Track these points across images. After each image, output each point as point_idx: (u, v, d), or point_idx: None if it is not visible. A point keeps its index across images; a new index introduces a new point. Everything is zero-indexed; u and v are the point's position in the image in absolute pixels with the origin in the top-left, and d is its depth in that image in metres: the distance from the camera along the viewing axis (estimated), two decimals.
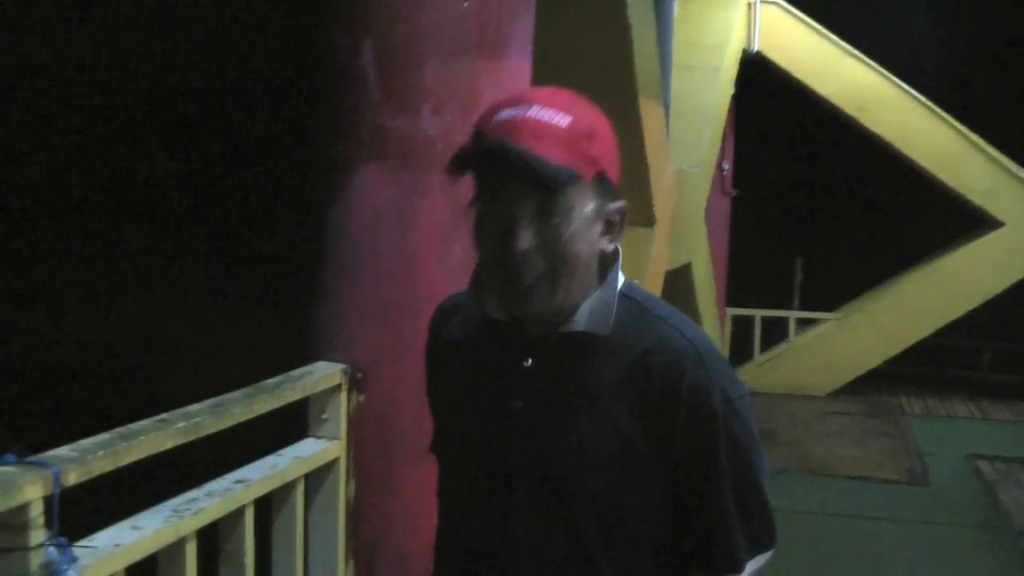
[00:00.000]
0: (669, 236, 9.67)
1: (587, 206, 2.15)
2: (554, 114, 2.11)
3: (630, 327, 2.24)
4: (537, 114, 2.10)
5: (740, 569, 2.35)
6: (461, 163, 2.13)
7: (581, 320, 2.22)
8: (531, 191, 2.09)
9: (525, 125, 2.09)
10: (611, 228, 2.22)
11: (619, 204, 2.21)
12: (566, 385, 2.24)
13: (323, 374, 4.21)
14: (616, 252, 2.27)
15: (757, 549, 2.37)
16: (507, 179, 2.10)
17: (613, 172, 2.20)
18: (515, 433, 2.26)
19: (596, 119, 2.18)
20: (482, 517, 2.32)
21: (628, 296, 2.28)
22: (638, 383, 2.20)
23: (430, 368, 2.58)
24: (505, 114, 2.12)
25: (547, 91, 2.18)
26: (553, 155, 2.06)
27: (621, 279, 2.29)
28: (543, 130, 2.09)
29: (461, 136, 4.20)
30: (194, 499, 3.53)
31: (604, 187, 2.18)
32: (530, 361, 2.26)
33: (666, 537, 2.31)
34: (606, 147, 2.17)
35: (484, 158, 2.12)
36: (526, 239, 2.10)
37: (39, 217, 10.04)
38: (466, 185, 4.18)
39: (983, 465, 11.34)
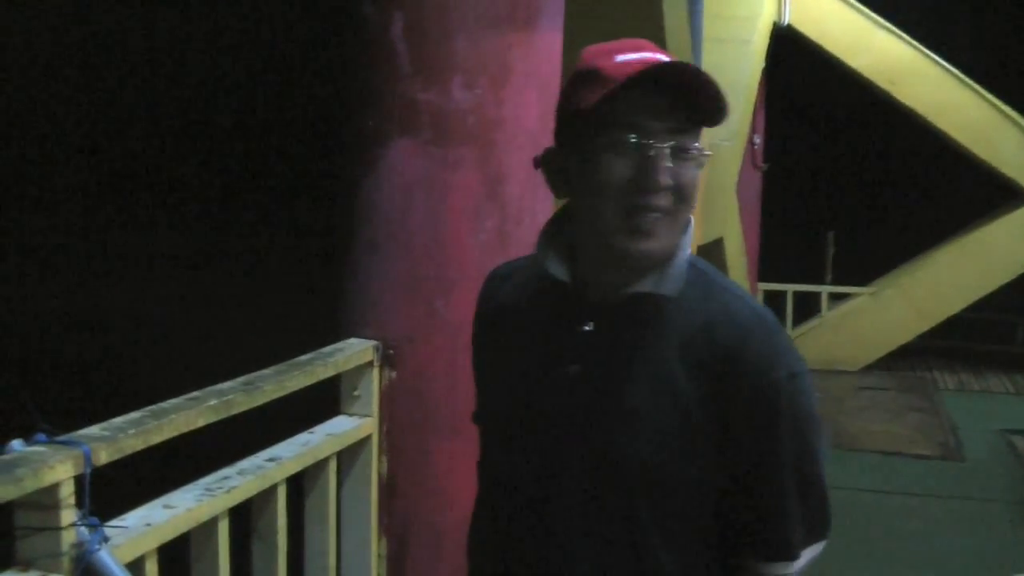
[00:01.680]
0: (701, 210, 9.63)
1: (707, 150, 2.15)
2: (671, 57, 2.10)
3: (694, 295, 2.20)
4: (666, 60, 2.09)
5: (795, 557, 2.28)
6: (623, 87, 2.07)
7: (649, 282, 2.18)
8: (674, 127, 2.08)
9: (671, 63, 2.08)
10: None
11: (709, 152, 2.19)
12: (626, 350, 2.19)
13: (355, 351, 4.18)
14: (691, 218, 2.23)
15: (812, 538, 2.30)
16: (654, 111, 2.08)
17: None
18: (568, 397, 2.21)
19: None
20: (530, 484, 2.27)
21: (693, 264, 2.25)
22: (701, 351, 2.16)
23: (478, 335, 2.53)
24: (637, 56, 2.10)
25: (651, 43, 2.17)
26: (717, 91, 2.07)
27: (689, 244, 2.25)
28: (689, 69, 2.09)
29: (492, 109, 4.22)
30: (226, 477, 3.51)
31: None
32: (590, 325, 2.22)
33: (718, 515, 2.25)
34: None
35: (656, 83, 2.07)
36: (668, 173, 2.08)
37: (69, 198, 10.06)
38: (497, 159, 4.16)
39: (1017, 440, 11.26)
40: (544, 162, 2.26)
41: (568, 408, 2.21)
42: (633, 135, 2.08)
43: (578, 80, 2.16)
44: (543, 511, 2.25)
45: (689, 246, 2.22)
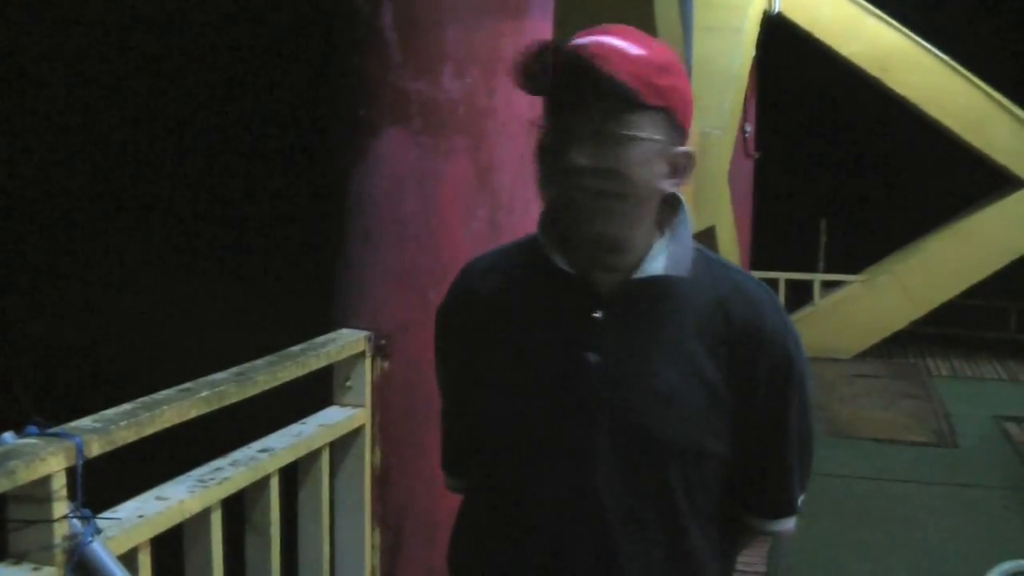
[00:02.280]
0: (693, 199, 9.63)
1: (650, 136, 2.13)
2: (629, 44, 2.11)
3: (701, 275, 2.25)
4: (611, 41, 2.11)
5: (795, 511, 2.42)
6: (534, 81, 2.13)
7: (657, 265, 2.20)
8: (596, 109, 2.09)
9: (598, 47, 2.09)
10: (676, 172, 2.19)
11: (686, 148, 2.19)
12: (644, 333, 2.22)
13: (347, 341, 4.18)
14: (680, 199, 2.26)
15: (802, 491, 2.43)
16: (572, 98, 2.11)
17: (684, 116, 2.18)
18: (594, 387, 2.21)
19: (672, 60, 2.17)
20: (562, 475, 2.25)
21: (695, 247, 2.28)
22: (718, 328, 2.21)
23: (457, 335, 2.48)
24: (578, 40, 2.12)
25: (625, 27, 2.18)
26: (618, 73, 2.07)
27: (690, 226, 2.28)
28: (614, 51, 2.09)
29: (483, 99, 4.21)
30: (219, 468, 3.52)
31: (671, 126, 2.16)
32: (600, 313, 2.22)
33: (728, 486, 2.33)
34: (678, 87, 2.16)
35: (557, 70, 2.10)
36: (586, 154, 2.09)
37: (66, 195, 10.06)
38: (488, 148, 4.16)
39: (1011, 426, 11.26)
40: (534, 158, 2.28)
41: (595, 397, 2.21)
42: (555, 121, 2.14)
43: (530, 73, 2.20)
44: (585, 493, 2.24)
45: (689, 227, 2.25)
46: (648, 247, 2.21)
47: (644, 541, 2.24)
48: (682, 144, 2.19)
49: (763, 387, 2.23)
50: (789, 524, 2.42)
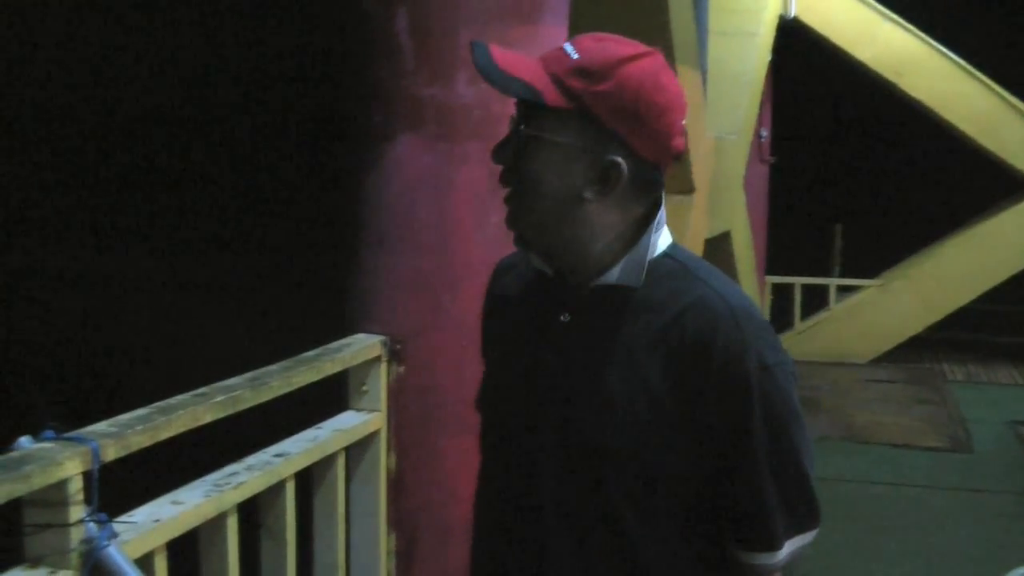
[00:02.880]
0: (708, 204, 9.61)
1: (563, 138, 2.13)
2: (573, 49, 2.14)
3: (670, 286, 2.21)
4: (567, 46, 2.15)
5: (778, 547, 2.28)
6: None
7: (614, 273, 2.21)
8: (516, 113, 2.17)
9: (551, 53, 2.17)
10: (603, 180, 2.16)
11: (613, 157, 2.14)
12: (598, 340, 2.22)
13: (362, 346, 4.19)
14: (653, 211, 2.23)
15: (797, 529, 2.29)
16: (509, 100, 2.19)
17: (619, 123, 2.13)
18: (545, 387, 2.25)
19: (622, 71, 2.12)
20: (515, 469, 2.31)
21: (671, 256, 2.26)
22: (672, 342, 2.16)
23: (484, 325, 2.58)
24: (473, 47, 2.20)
25: (605, 35, 2.19)
26: (520, 70, 2.13)
27: (668, 239, 2.27)
28: (554, 57, 2.15)
29: (497, 104, 4.22)
30: (234, 473, 3.52)
31: (596, 131, 2.13)
32: (567, 315, 2.25)
33: (701, 507, 2.26)
34: (615, 95, 2.11)
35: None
36: (501, 152, 2.18)
37: (77, 196, 10.07)
38: None
39: None
40: None
41: (546, 397, 2.25)
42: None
43: None
44: (528, 495, 2.28)
45: (653, 239, 2.22)
46: (612, 254, 2.21)
47: (583, 548, 2.24)
48: (617, 151, 2.15)
49: (715, 405, 2.15)
50: (771, 559, 2.29)
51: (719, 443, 2.18)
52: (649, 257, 2.21)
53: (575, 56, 2.12)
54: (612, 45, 2.15)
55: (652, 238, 2.22)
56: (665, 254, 2.24)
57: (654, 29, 7.17)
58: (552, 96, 2.10)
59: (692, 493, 2.24)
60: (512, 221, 2.22)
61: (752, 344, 2.16)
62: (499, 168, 2.22)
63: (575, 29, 4.52)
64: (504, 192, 2.20)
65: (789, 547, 2.30)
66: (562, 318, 2.26)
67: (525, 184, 2.16)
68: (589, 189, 2.16)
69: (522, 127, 2.15)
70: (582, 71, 2.11)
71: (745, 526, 2.27)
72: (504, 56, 2.15)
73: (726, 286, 2.25)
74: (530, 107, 2.14)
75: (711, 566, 2.33)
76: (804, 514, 2.30)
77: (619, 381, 2.18)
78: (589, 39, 2.16)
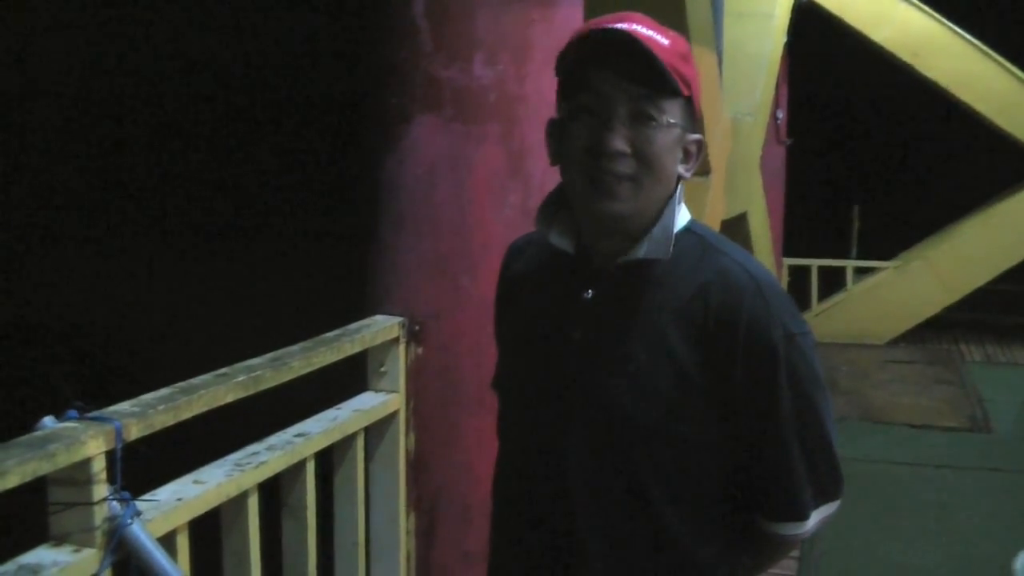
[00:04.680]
0: (725, 185, 9.61)
1: (678, 123, 2.19)
2: (654, 32, 2.15)
3: (692, 260, 2.25)
4: (640, 29, 2.14)
5: (805, 517, 2.34)
6: (576, 54, 2.18)
7: (642, 248, 2.22)
8: (632, 93, 2.15)
9: (635, 34, 2.13)
10: (688, 157, 2.26)
11: (698, 136, 2.25)
12: (624, 314, 2.24)
13: (381, 327, 4.21)
14: (679, 185, 2.28)
15: (823, 498, 2.35)
16: (610, 78, 2.15)
17: (699, 104, 2.25)
18: (571, 363, 2.27)
19: (689, 49, 2.22)
20: (539, 448, 2.33)
21: (692, 231, 2.30)
22: (697, 314, 2.20)
23: (498, 304, 2.61)
24: (607, 26, 2.16)
25: (639, 15, 2.20)
26: (659, 60, 2.12)
27: (687, 216, 2.30)
28: (649, 39, 2.13)
29: (515, 85, 4.23)
30: (255, 453, 3.55)
31: (690, 113, 2.22)
32: (590, 292, 2.27)
33: (727, 478, 2.30)
34: (696, 76, 2.21)
35: (605, 48, 2.15)
36: (621, 137, 2.14)
37: (100, 188, 10.12)
38: (520, 135, 4.18)
39: None
40: (547, 133, 2.34)
41: (572, 372, 2.27)
42: (590, 101, 2.17)
43: (563, 49, 2.24)
44: (554, 472, 2.30)
45: (678, 213, 2.27)
46: (643, 230, 2.24)
47: (610, 518, 2.27)
48: (696, 132, 2.26)
49: (742, 376, 2.19)
50: (799, 529, 2.35)
51: (746, 413, 2.23)
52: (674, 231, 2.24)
53: (665, 41, 2.15)
54: (659, 25, 2.21)
55: (676, 211, 2.26)
56: (686, 228, 2.29)
57: (670, 10, 7.16)
58: (684, 87, 2.16)
59: (719, 463, 2.28)
60: (624, 205, 2.19)
61: (776, 314, 2.21)
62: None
63: (590, 11, 4.53)
64: (614, 177, 2.17)
65: (816, 516, 2.36)
66: (586, 295, 2.28)
67: (644, 168, 2.17)
68: (683, 167, 2.25)
69: (665, 118, 2.16)
70: (685, 56, 2.17)
71: (773, 495, 2.33)
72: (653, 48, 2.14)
73: (747, 259, 2.30)
74: (654, 91, 2.15)
75: (737, 536, 2.37)
76: (829, 483, 2.35)
77: (645, 354, 2.20)
78: (643, 20, 2.18)
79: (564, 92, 2.24)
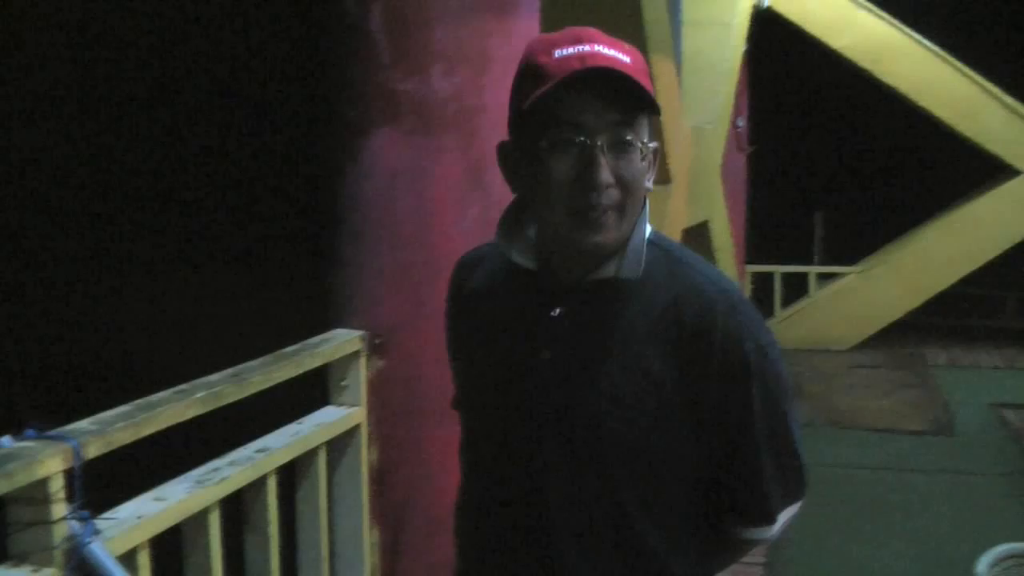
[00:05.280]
0: (686, 194, 9.64)
1: (649, 142, 2.18)
2: (616, 52, 2.12)
3: (659, 275, 2.23)
4: (606, 50, 2.11)
5: (773, 520, 2.37)
6: (547, 87, 2.10)
7: (611, 266, 2.20)
8: (610, 120, 2.11)
9: (606, 58, 2.10)
10: (649, 168, 2.23)
11: (656, 144, 2.23)
12: (595, 333, 2.23)
13: (342, 340, 4.20)
14: (646, 200, 2.26)
15: (789, 499, 2.38)
16: (589, 108, 2.11)
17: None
18: (542, 382, 2.24)
19: (642, 57, 2.19)
20: (513, 468, 2.31)
21: (655, 244, 2.28)
22: (670, 330, 2.19)
23: (451, 321, 2.57)
24: (572, 50, 2.12)
25: (592, 30, 2.17)
26: (636, 81, 2.09)
27: (648, 227, 2.27)
28: (621, 63, 2.11)
29: (473, 96, 4.23)
30: (216, 468, 3.54)
31: (651, 124, 2.20)
32: (558, 310, 2.25)
33: (698, 487, 2.31)
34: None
35: (590, 80, 2.09)
36: (606, 169, 2.11)
37: (55, 204, 10.08)
38: (479, 146, 4.17)
39: (1009, 414, 11.27)
40: (500, 157, 2.30)
41: (544, 393, 2.25)
42: (571, 134, 2.11)
43: (520, 77, 2.19)
44: (527, 494, 2.28)
45: (645, 228, 2.24)
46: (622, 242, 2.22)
47: (587, 533, 2.26)
48: (654, 140, 2.24)
49: (716, 390, 2.20)
50: (766, 533, 2.39)
51: (720, 424, 2.24)
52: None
53: (627, 59, 2.12)
54: (613, 38, 2.18)
55: (645, 227, 2.24)
56: (650, 242, 2.26)
57: (627, 19, 7.19)
58: (654, 101, 2.14)
59: (691, 475, 2.29)
60: (608, 235, 2.16)
61: (748, 328, 2.23)
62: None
63: (547, 19, 4.54)
64: (599, 210, 2.13)
65: (782, 519, 2.39)
66: (553, 313, 2.25)
67: (627, 195, 2.15)
68: (647, 180, 2.23)
69: (639, 141, 2.14)
70: (645, 71, 2.14)
71: (742, 503, 2.35)
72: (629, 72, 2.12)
73: (713, 272, 2.31)
74: (632, 115, 2.13)
75: (708, 543, 2.39)
76: (795, 484, 2.38)
77: (620, 371, 2.20)
78: (600, 38, 2.15)
79: (536, 122, 2.15)
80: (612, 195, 2.13)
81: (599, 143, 2.10)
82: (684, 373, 2.19)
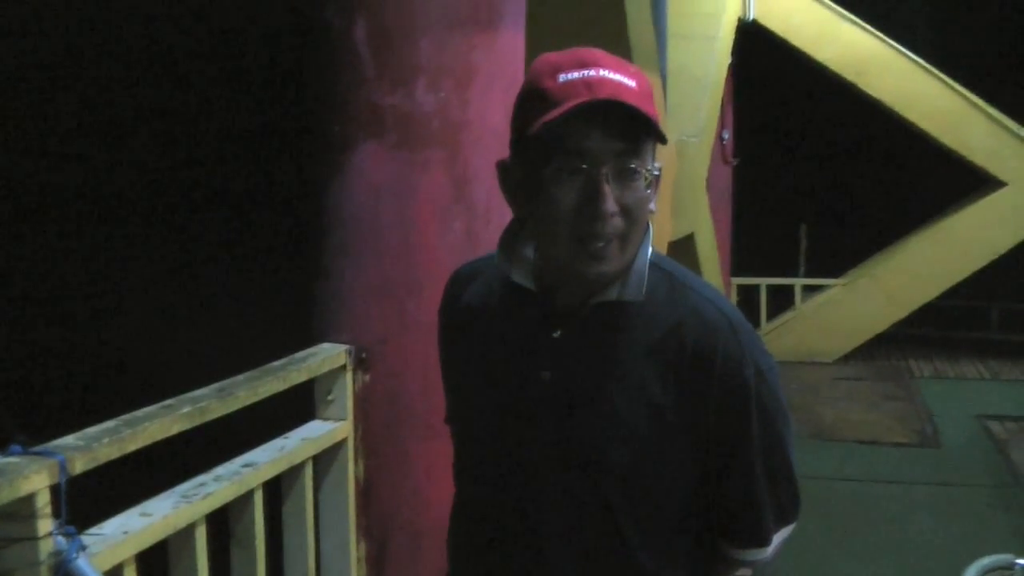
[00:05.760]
0: (671, 207, 9.65)
1: (653, 168, 2.13)
2: (622, 76, 2.09)
3: (660, 297, 2.22)
4: (612, 75, 2.08)
5: (768, 543, 2.37)
6: (555, 115, 2.05)
7: (613, 290, 2.19)
8: (616, 149, 2.07)
9: (613, 84, 2.07)
10: (653, 190, 2.18)
11: (659, 165, 2.18)
12: (597, 355, 2.21)
13: (327, 355, 4.20)
14: (649, 224, 2.22)
15: (783, 522, 2.39)
16: (597, 137, 2.07)
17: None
18: (541, 403, 2.23)
19: (648, 79, 2.15)
20: (508, 486, 2.30)
21: (657, 265, 2.25)
22: (671, 354, 2.18)
23: (445, 335, 2.55)
24: (577, 75, 2.08)
25: (597, 52, 2.14)
26: (641, 108, 2.05)
27: (651, 249, 2.24)
28: (627, 89, 2.07)
29: (458, 111, 4.24)
30: (203, 484, 3.53)
31: (654, 148, 2.16)
32: (559, 332, 2.23)
33: (694, 510, 2.31)
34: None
35: (597, 111, 2.05)
36: (612, 198, 2.07)
37: (42, 216, 10.05)
38: (464, 160, 4.18)
39: (993, 425, 11.33)
40: (500, 177, 2.26)
41: (542, 413, 2.23)
42: (576, 162, 2.08)
43: (524, 100, 2.16)
44: (523, 514, 2.28)
45: (648, 250, 2.21)
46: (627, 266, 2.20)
47: (583, 556, 2.25)
48: (656, 162, 2.19)
49: (716, 414, 2.19)
50: (759, 555, 2.38)
51: (719, 447, 2.23)
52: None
53: (632, 84, 2.09)
54: (619, 59, 2.14)
55: (647, 250, 2.22)
56: (651, 263, 2.23)
57: (612, 33, 7.21)
58: (657, 126, 2.10)
59: (686, 497, 2.28)
60: (612, 264, 2.14)
61: (748, 351, 2.21)
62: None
63: (532, 34, 4.55)
64: (603, 239, 2.10)
65: (776, 540, 2.39)
66: (554, 335, 2.24)
67: (630, 223, 2.12)
68: (652, 203, 2.19)
69: (644, 168, 2.10)
70: (650, 96, 2.11)
71: (739, 524, 2.35)
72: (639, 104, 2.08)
73: (715, 295, 2.28)
74: (637, 143, 2.10)
75: (701, 564, 2.38)
76: (790, 507, 2.39)
77: (620, 395, 2.19)
78: (606, 59, 2.12)
79: (539, 146, 2.11)
80: (616, 224, 2.10)
81: (604, 172, 2.07)
82: (684, 396, 2.18)
